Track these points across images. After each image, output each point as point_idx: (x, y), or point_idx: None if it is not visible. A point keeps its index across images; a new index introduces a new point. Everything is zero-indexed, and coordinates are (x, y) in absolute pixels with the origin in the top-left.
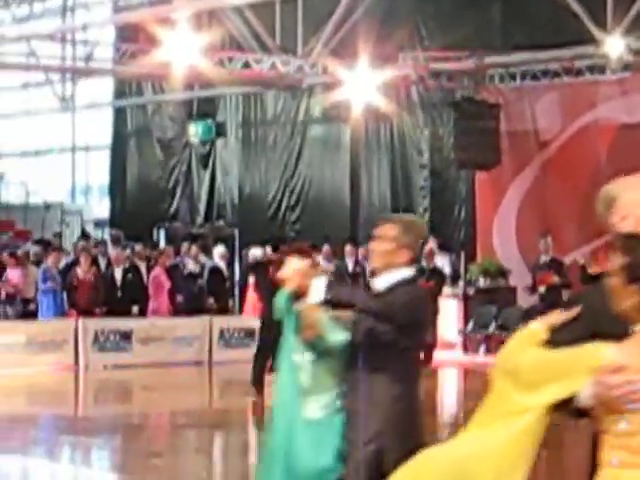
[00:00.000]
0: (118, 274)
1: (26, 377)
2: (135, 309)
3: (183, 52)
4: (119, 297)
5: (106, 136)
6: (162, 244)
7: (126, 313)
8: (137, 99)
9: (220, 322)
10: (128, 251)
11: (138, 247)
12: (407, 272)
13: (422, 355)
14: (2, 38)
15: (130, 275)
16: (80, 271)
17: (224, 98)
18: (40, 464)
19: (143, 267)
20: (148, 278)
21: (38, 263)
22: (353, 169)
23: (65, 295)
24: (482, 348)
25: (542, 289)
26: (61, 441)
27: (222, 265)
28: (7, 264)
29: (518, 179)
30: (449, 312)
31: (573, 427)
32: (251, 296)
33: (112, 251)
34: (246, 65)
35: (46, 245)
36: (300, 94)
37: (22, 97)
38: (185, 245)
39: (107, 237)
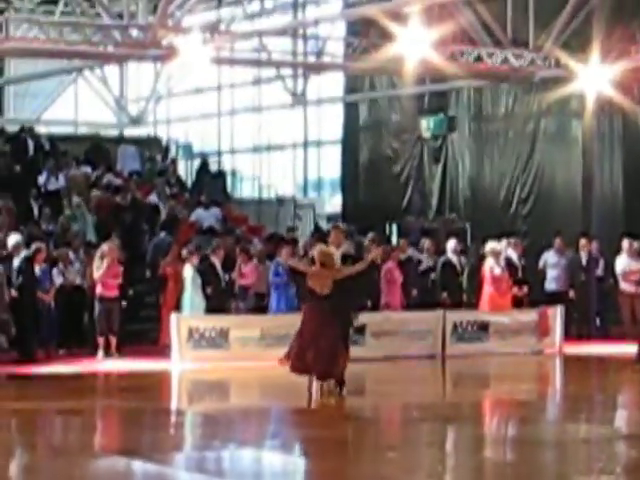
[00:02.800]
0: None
1: (260, 371)
2: (367, 303)
3: (415, 46)
4: None
5: (337, 131)
6: (394, 238)
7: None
8: (368, 94)
9: (453, 316)
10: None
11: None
12: None
13: None
14: (234, 34)
15: None
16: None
17: (456, 92)
18: (274, 457)
19: None
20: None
21: (270, 258)
22: (585, 163)
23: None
24: None
25: None
26: (294, 433)
27: (455, 259)
28: (240, 259)
29: None
30: None
31: None
32: (487, 289)
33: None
34: (478, 59)
35: (279, 240)
36: (532, 88)
37: (254, 93)
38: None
39: None
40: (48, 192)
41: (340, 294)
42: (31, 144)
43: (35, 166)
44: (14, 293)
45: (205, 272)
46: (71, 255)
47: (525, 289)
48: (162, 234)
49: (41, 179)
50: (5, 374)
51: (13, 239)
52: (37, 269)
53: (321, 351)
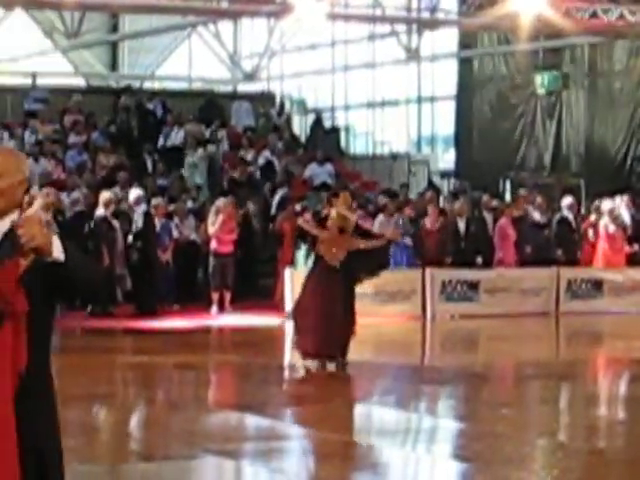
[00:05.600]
0: (462, 225)
1: (374, 327)
2: (479, 259)
3: (531, 2)
4: (463, 248)
5: (451, 87)
6: (508, 195)
7: (470, 264)
8: (482, 49)
9: (567, 273)
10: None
11: (484, 198)
12: None
13: None
14: None
15: (474, 226)
16: (428, 222)
17: (570, 48)
18: (385, 412)
19: (489, 218)
20: (494, 229)
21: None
22: None
23: (413, 246)
24: None
25: None
26: (408, 390)
27: (570, 216)
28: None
29: None
30: None
31: None
32: (602, 247)
33: (456, 202)
34: (593, 15)
35: (393, 196)
36: None
37: (368, 48)
38: (531, 196)
39: (453, 188)
40: (166, 148)
41: (349, 267)
42: (147, 100)
43: (150, 122)
44: (137, 244)
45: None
46: (186, 209)
47: (636, 246)
48: (282, 190)
49: (162, 135)
50: (121, 328)
51: (134, 193)
52: (157, 224)
53: (332, 333)
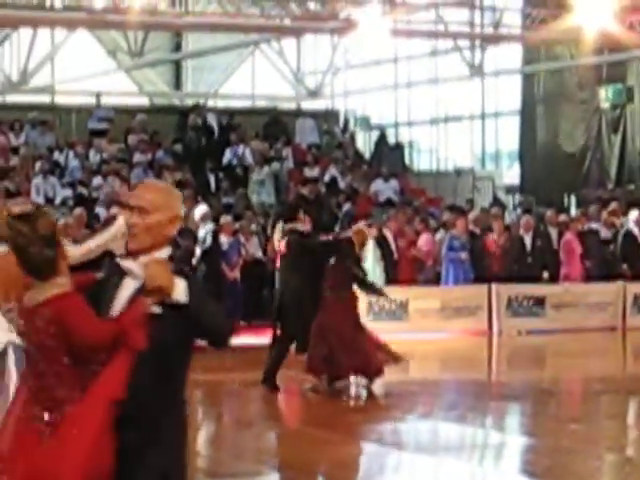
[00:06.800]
0: (528, 240)
1: (440, 342)
2: (545, 275)
3: (594, 16)
4: (529, 263)
5: (515, 102)
6: (573, 209)
7: (536, 279)
8: (546, 64)
9: (634, 288)
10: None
11: (549, 213)
12: None
13: None
14: (412, 6)
15: (539, 241)
16: (492, 237)
17: (634, 62)
18: (451, 428)
19: (554, 233)
20: (559, 244)
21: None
22: None
23: (474, 262)
24: None
25: None
26: (474, 405)
27: (635, 230)
28: (419, 230)
29: None
30: None
31: None
32: None
33: (523, 217)
34: None
35: (458, 211)
36: None
37: (431, 64)
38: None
39: (518, 203)
40: (230, 166)
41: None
42: (212, 119)
43: (215, 140)
44: (198, 251)
45: (380, 244)
46: (252, 228)
47: None
48: (347, 206)
49: (228, 154)
50: None
51: (200, 210)
52: (225, 242)
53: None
